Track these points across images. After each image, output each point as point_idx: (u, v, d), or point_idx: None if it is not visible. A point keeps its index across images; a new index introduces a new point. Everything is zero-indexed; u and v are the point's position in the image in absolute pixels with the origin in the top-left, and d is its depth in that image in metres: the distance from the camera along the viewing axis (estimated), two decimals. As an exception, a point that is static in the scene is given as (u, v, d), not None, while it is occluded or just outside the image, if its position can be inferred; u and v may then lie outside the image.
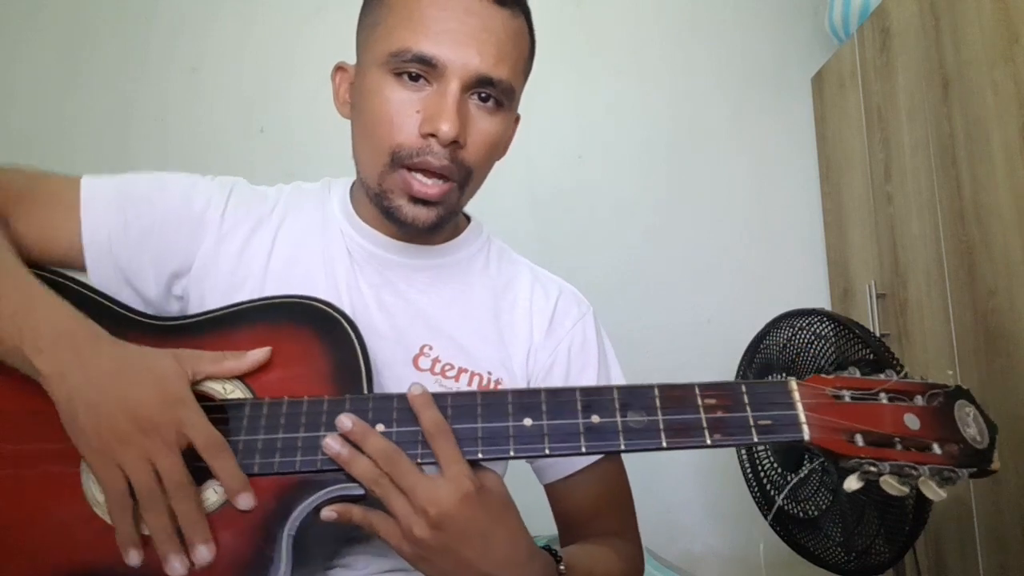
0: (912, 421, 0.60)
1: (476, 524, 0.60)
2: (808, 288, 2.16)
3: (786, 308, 1.47)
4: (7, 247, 0.71)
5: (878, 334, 1.61)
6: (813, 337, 1.37)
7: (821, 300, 2.15)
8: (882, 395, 0.62)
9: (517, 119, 0.85)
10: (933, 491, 0.58)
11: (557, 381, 0.83)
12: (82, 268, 0.77)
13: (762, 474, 1.51)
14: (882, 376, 0.64)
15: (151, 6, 2.19)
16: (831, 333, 1.33)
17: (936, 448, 0.59)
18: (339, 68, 0.83)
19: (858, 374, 0.64)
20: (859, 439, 0.60)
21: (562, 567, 0.68)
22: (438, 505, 0.59)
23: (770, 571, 1.98)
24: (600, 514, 0.83)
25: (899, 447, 0.59)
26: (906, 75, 1.73)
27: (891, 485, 0.58)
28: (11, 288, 0.66)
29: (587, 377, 0.84)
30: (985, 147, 1.44)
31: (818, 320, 1.37)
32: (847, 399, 0.62)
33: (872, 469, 0.59)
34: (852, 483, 0.60)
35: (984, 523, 1.45)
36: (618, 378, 0.87)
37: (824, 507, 1.37)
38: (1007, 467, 1.36)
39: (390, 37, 0.72)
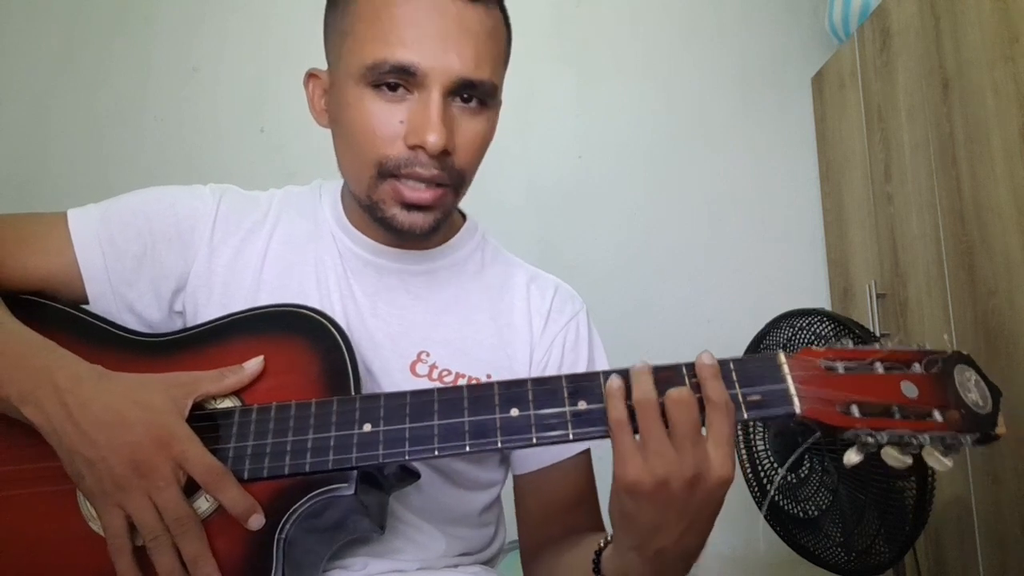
0: (909, 389, 0.59)
1: (707, 510, 0.58)
2: (808, 288, 2.16)
3: (786, 308, 1.47)
4: None
5: (878, 334, 1.62)
6: (813, 337, 1.37)
7: (821, 300, 2.15)
8: (877, 365, 0.60)
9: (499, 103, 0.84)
10: (937, 460, 0.56)
11: (549, 374, 0.83)
12: (83, 300, 0.77)
13: (761, 473, 1.51)
14: (876, 346, 0.62)
15: (152, 6, 2.19)
16: (831, 333, 1.34)
17: (937, 415, 0.58)
18: (311, 75, 0.80)
19: (851, 345, 0.62)
20: (855, 410, 0.58)
21: None
22: (704, 470, 0.56)
23: (770, 571, 1.98)
24: (577, 507, 0.82)
25: (898, 416, 0.58)
26: (906, 75, 1.73)
27: (892, 456, 0.57)
28: None
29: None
30: (985, 147, 1.44)
31: (818, 320, 1.37)
32: (840, 370, 0.60)
33: (870, 440, 0.57)
34: (852, 456, 0.58)
35: (984, 523, 1.45)
36: None
37: (824, 507, 1.37)
38: (1007, 467, 1.36)
39: (363, 50, 0.70)
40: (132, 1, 2.19)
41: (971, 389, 0.59)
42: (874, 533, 1.26)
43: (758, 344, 1.52)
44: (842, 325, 1.31)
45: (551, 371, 0.83)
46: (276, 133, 2.15)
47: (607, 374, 0.61)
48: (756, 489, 1.53)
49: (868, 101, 1.92)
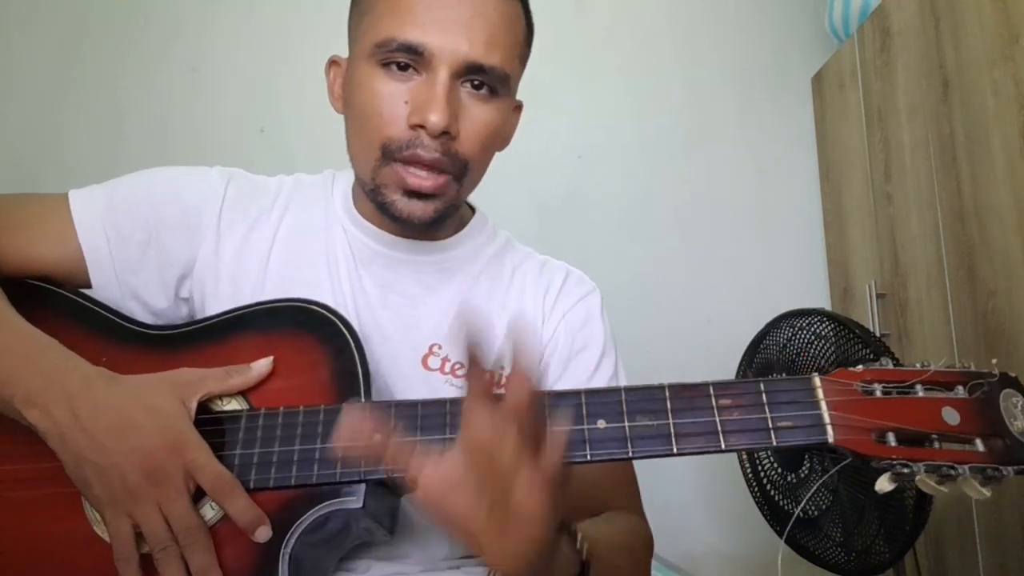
0: (951, 415, 0.55)
1: None
2: (808, 288, 2.16)
3: (786, 308, 1.47)
4: None
5: (878, 334, 1.61)
6: (813, 337, 1.37)
7: (821, 300, 2.15)
8: (918, 387, 0.56)
9: (519, 107, 0.82)
10: (976, 491, 0.53)
11: (558, 358, 0.81)
12: (86, 286, 0.75)
13: (762, 474, 1.51)
14: (918, 366, 0.58)
15: (151, 6, 2.19)
16: (831, 333, 1.33)
17: (979, 444, 0.54)
18: (332, 62, 0.80)
19: (891, 365, 0.58)
20: (891, 438, 0.54)
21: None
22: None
23: (770, 571, 1.98)
24: (609, 490, 0.79)
25: (936, 445, 0.54)
26: (906, 75, 1.73)
27: (928, 485, 0.53)
28: None
29: (587, 357, 0.82)
30: (985, 147, 1.44)
31: (818, 320, 1.37)
32: (878, 394, 0.56)
33: (905, 471, 0.53)
34: (884, 484, 0.54)
35: (984, 523, 1.45)
36: (613, 364, 0.84)
37: (824, 507, 1.37)
38: (1007, 467, 1.36)
39: (376, 27, 0.70)
40: (131, 1, 2.19)
41: (1017, 416, 0.55)
42: (874, 533, 1.26)
43: (758, 344, 1.52)
44: (842, 325, 1.31)
45: (561, 352, 0.81)
46: (276, 133, 2.14)
47: (628, 390, 0.59)
48: (756, 489, 1.53)
49: (868, 101, 1.92)
